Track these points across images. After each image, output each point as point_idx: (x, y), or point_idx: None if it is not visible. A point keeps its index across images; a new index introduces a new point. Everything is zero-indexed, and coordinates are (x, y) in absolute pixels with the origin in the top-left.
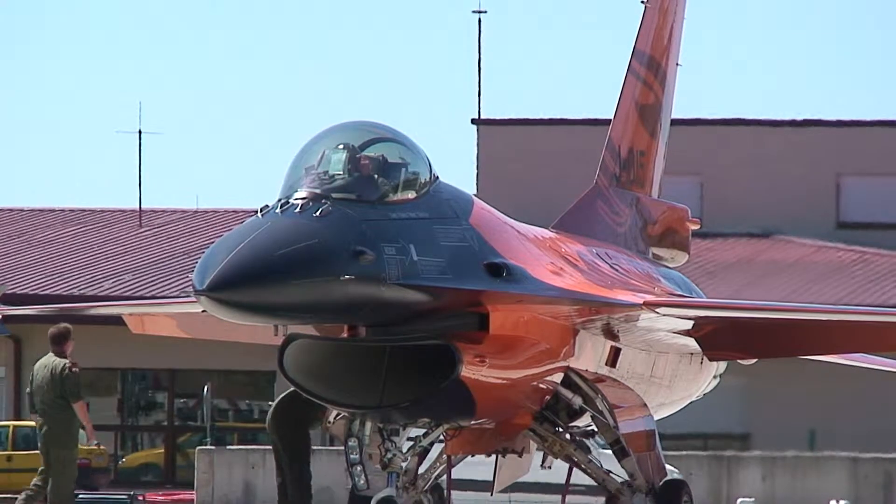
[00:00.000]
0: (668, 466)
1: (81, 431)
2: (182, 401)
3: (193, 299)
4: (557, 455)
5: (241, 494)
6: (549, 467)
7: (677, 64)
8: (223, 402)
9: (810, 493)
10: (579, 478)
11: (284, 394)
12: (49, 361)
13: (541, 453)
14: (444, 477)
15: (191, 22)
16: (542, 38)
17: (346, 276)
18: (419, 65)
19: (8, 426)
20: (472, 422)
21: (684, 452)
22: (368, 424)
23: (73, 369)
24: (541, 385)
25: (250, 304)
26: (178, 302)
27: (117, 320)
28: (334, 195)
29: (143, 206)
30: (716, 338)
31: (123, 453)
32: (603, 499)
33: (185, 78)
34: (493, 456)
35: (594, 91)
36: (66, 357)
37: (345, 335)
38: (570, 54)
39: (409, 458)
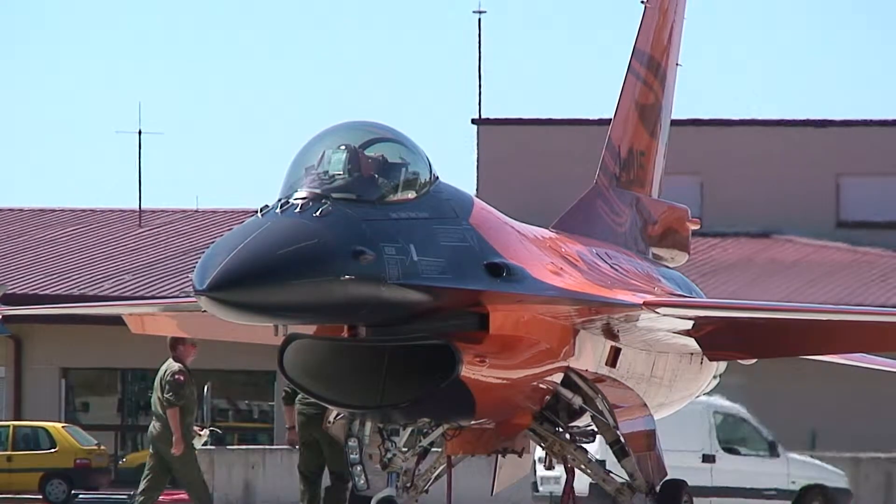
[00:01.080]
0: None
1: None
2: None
3: (193, 299)
4: (557, 455)
5: (241, 494)
6: (553, 468)
7: (677, 64)
8: (223, 402)
9: None
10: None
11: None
12: (165, 365)
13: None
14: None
15: (191, 22)
16: (542, 38)
17: (346, 276)
18: (419, 65)
19: (8, 426)
20: (472, 422)
21: None
22: (368, 424)
23: (177, 376)
24: (541, 385)
25: (250, 303)
26: (179, 302)
27: (117, 320)
28: (334, 195)
29: (142, 206)
30: (716, 338)
31: (123, 453)
32: None
33: (185, 78)
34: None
35: (594, 91)
36: (183, 363)
37: (345, 335)
38: (570, 54)
39: (409, 458)
